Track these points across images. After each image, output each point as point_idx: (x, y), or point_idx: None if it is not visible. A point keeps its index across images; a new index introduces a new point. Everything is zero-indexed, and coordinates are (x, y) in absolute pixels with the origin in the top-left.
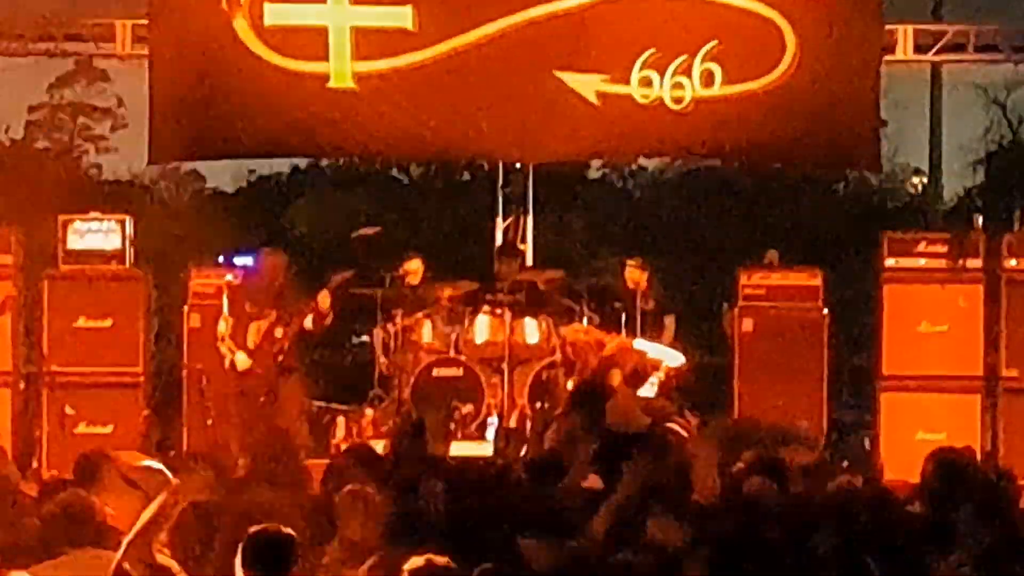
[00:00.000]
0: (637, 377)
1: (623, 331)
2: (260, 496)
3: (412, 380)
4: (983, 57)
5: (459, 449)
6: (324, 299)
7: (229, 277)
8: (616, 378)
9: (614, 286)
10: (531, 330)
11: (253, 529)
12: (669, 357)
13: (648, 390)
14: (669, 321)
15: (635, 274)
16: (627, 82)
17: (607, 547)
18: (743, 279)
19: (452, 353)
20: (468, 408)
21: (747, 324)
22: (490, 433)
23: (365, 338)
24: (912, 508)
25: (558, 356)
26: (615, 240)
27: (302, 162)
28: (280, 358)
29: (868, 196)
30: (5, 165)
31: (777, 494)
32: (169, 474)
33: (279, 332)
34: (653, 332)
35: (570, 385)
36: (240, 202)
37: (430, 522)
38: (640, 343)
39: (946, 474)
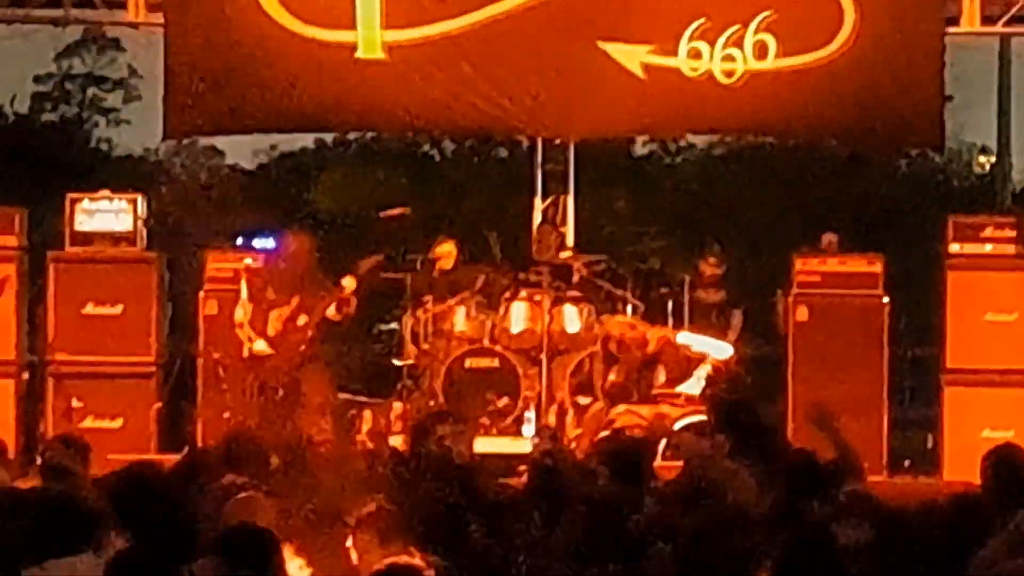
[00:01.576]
0: (681, 372)
1: (670, 319)
2: None
3: (444, 371)
4: None
5: (494, 445)
6: (349, 285)
7: (248, 260)
8: (661, 376)
9: (661, 271)
10: (571, 318)
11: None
12: (715, 349)
13: (694, 385)
14: (737, 316)
15: (712, 269)
16: (675, 54)
17: None
18: (798, 265)
19: (487, 342)
20: (504, 401)
21: (802, 313)
22: (527, 429)
23: (394, 326)
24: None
25: (599, 347)
26: (662, 221)
27: (327, 137)
28: (302, 347)
29: (931, 177)
30: (9, 140)
31: None
32: None
33: (302, 320)
34: (719, 326)
35: (612, 378)
36: (261, 180)
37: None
38: (685, 336)
39: (1006, 474)
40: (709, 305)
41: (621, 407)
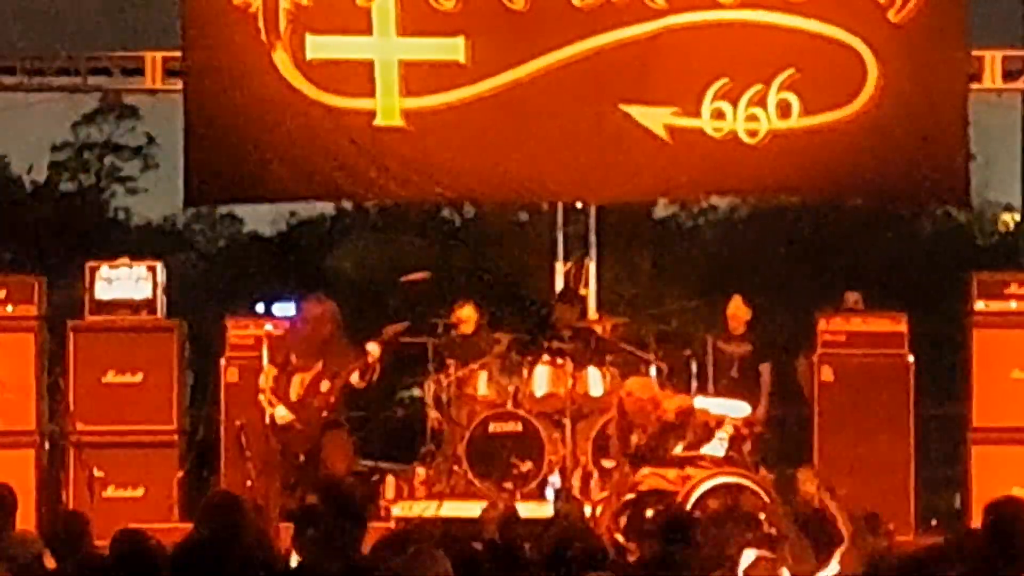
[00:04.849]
0: (705, 435)
1: (693, 381)
2: None
3: (467, 436)
4: None
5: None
6: (373, 351)
7: (269, 327)
8: (677, 448)
9: (684, 332)
10: (594, 381)
11: None
12: (733, 410)
13: (717, 447)
14: (765, 370)
15: (740, 311)
16: (698, 115)
17: None
18: (822, 325)
19: (510, 406)
20: (527, 465)
21: (827, 373)
22: (551, 493)
23: (416, 391)
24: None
25: (615, 411)
26: (684, 283)
27: (347, 203)
28: (325, 413)
29: (956, 234)
30: (27, 209)
31: None
32: None
33: (325, 386)
34: (745, 381)
35: (633, 441)
36: (280, 247)
37: None
38: (701, 400)
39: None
40: (734, 359)
41: (646, 470)
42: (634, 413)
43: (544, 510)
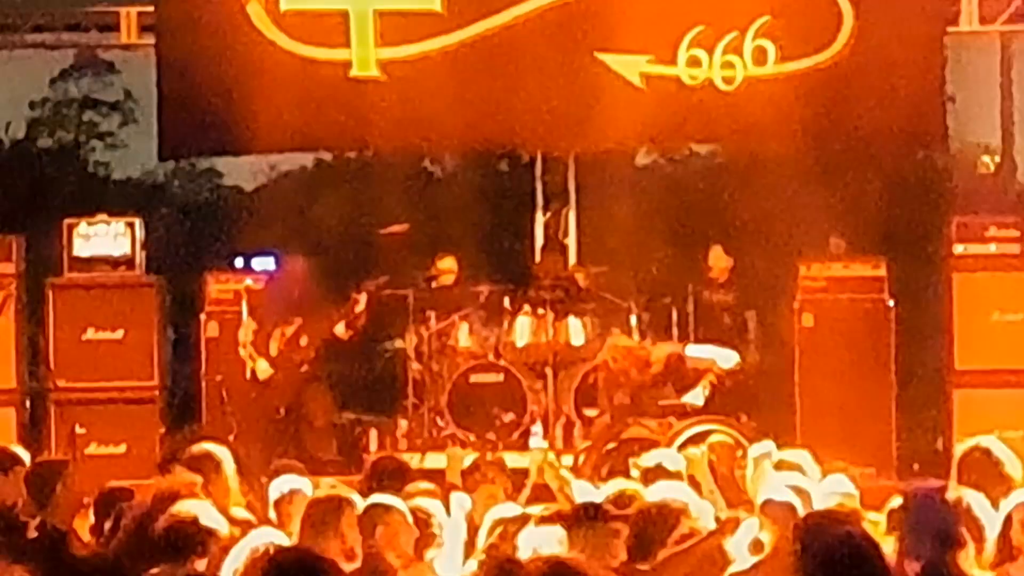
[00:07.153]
0: (689, 384)
1: (674, 328)
2: None
3: (449, 387)
4: None
5: None
6: (360, 302)
7: (248, 282)
8: (669, 392)
9: (665, 280)
10: (576, 331)
11: None
12: (721, 358)
13: (699, 396)
14: (751, 317)
15: (720, 260)
16: (674, 62)
17: None
18: (803, 271)
19: (491, 357)
20: (510, 416)
21: (808, 319)
22: (534, 442)
23: (398, 343)
24: None
25: (604, 369)
26: (667, 231)
27: (326, 155)
28: (304, 367)
29: (935, 178)
30: (5, 167)
31: None
32: None
33: (304, 340)
34: (731, 329)
35: (619, 398)
36: (260, 200)
37: None
38: (692, 348)
39: None
40: (719, 308)
41: (628, 419)
42: (621, 372)
43: (526, 460)
